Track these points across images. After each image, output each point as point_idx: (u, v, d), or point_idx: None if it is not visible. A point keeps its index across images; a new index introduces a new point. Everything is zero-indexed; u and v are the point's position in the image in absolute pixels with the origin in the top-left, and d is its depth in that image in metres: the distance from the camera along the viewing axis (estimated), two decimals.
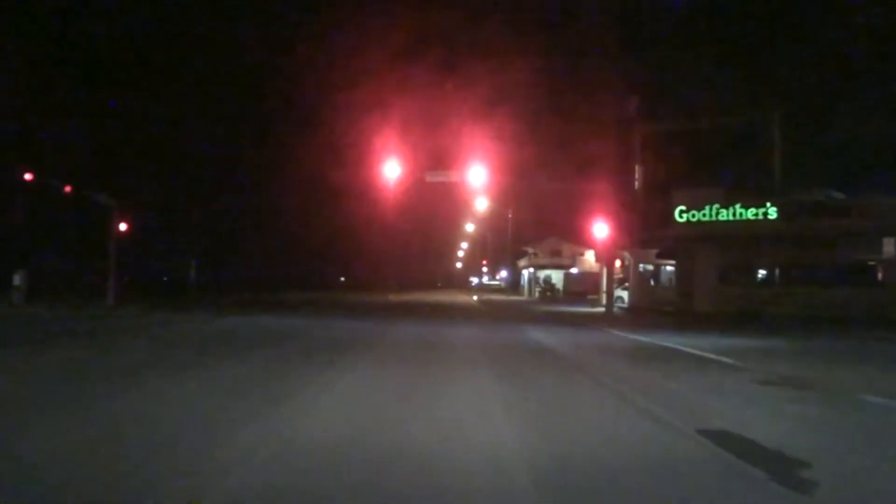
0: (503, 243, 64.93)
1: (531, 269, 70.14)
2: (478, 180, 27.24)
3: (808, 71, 34.74)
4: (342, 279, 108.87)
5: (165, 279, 50.46)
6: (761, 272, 26.67)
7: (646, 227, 31.62)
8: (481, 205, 59.29)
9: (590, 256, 66.39)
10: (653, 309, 30.60)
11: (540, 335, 15.95)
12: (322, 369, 9.05)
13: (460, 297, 58.63)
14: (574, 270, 65.55)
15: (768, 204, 23.92)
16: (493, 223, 73.05)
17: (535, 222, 68.04)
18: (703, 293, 25.34)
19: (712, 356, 11.41)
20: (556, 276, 66.16)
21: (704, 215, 24.83)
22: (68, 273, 38.70)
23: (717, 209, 24.61)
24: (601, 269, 42.40)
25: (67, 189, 28.30)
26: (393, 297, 54.31)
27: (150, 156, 45.33)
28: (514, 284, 76.32)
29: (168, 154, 49.80)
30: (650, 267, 36.91)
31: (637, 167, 34.34)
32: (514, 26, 59.44)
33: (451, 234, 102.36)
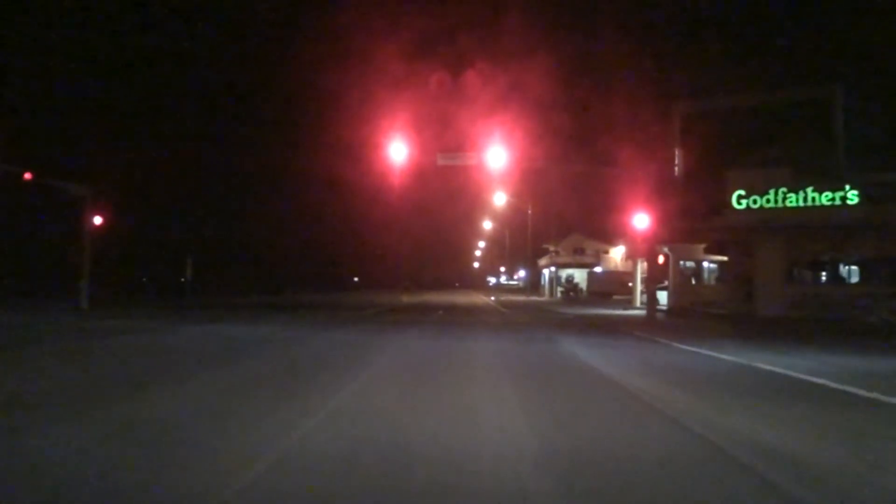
0: (522, 241, 61.00)
1: (552, 268, 66.21)
2: (497, 163, 23.39)
3: (872, 41, 30.57)
4: (355, 279, 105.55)
5: (156, 279, 47.10)
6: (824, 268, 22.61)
7: (689, 218, 27.60)
8: (499, 200, 55.67)
9: (615, 254, 62.43)
10: (699, 311, 26.59)
11: (581, 351, 12.08)
12: (228, 432, 5.30)
13: (477, 299, 54.83)
14: (598, 269, 61.61)
15: (847, 187, 19.85)
16: (512, 220, 69.31)
17: (556, 219, 64.34)
18: (767, 293, 21.27)
19: (865, 393, 7.50)
20: (580, 276, 62.24)
21: (768, 201, 20.83)
22: (44, 273, 35.44)
23: (785, 193, 20.59)
24: (634, 265, 38.45)
25: (27, 176, 24.77)
26: (406, 299, 50.76)
27: (141, 149, 42.07)
28: (533, 284, 72.36)
29: (164, 148, 46.56)
30: (691, 264, 32.87)
31: (677, 151, 30.29)
32: (538, 6, 55.67)
33: (468, 233, 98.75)
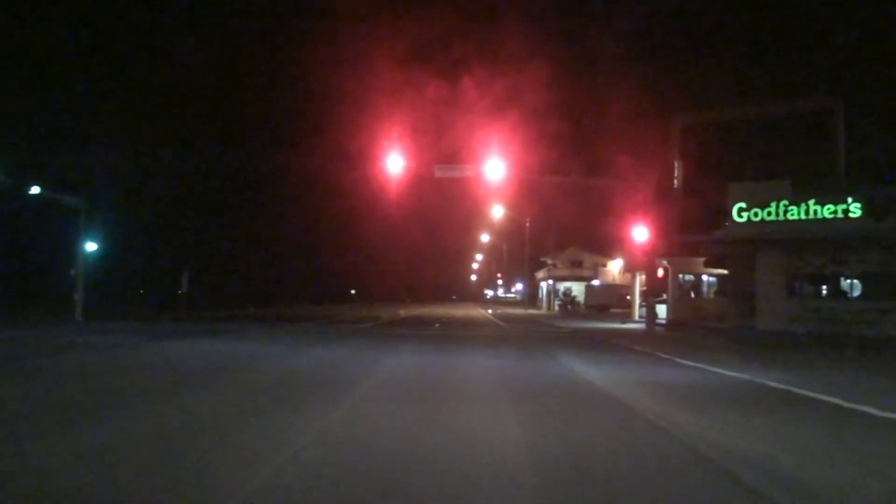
0: (520, 254, 60.71)
1: (550, 281, 65.94)
2: (495, 175, 23.16)
3: (874, 53, 30.54)
4: (352, 292, 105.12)
5: (154, 291, 46.71)
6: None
7: (689, 231, 27.34)
8: (497, 213, 55.43)
9: (612, 267, 62.17)
10: (699, 325, 26.25)
11: (588, 370, 11.70)
12: None
13: (475, 312, 54.46)
14: (596, 282, 61.30)
15: (850, 199, 19.60)
16: (510, 233, 69.09)
17: (554, 232, 64.20)
18: (768, 307, 20.97)
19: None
20: (577, 289, 61.92)
21: (769, 213, 20.57)
22: (41, 285, 35.08)
23: (786, 206, 20.33)
24: (632, 279, 38.14)
25: (34, 190, 24.44)
26: (403, 312, 50.41)
27: (136, 155, 41.72)
28: (531, 297, 71.98)
29: (159, 154, 46.24)
30: (690, 277, 32.55)
31: (676, 163, 30.08)
32: (532, 20, 55.79)
33: (465, 246, 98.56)
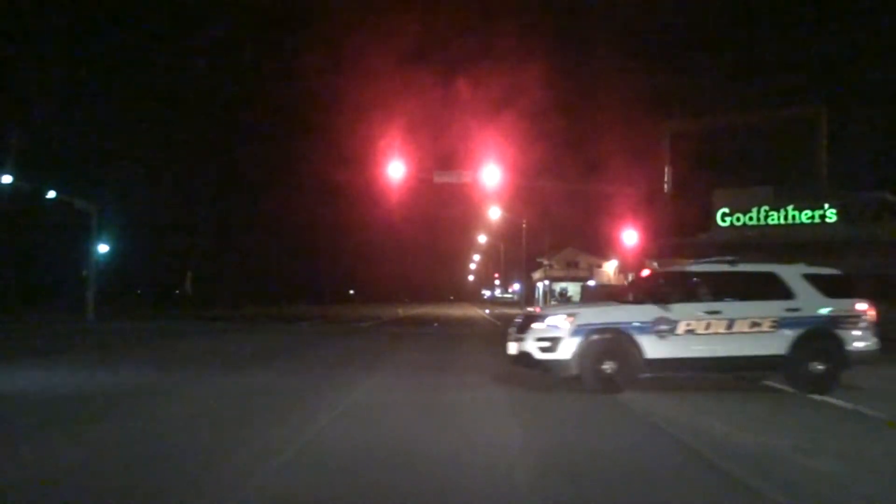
0: (517, 254, 61.82)
1: (546, 282, 67.08)
2: (492, 181, 24.28)
3: (856, 61, 31.71)
4: (351, 292, 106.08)
5: (156, 290, 47.82)
6: None
7: (678, 234, 28.50)
8: (494, 214, 56.50)
9: (608, 268, 63.29)
10: None
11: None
12: None
13: (472, 311, 55.54)
14: (591, 283, 62.39)
15: (826, 206, 20.78)
16: (507, 234, 70.10)
17: (550, 233, 65.21)
18: None
19: None
20: (573, 289, 63.07)
21: (751, 218, 21.76)
22: (51, 285, 36.17)
23: (767, 211, 21.52)
24: (625, 279, 39.29)
25: (51, 194, 25.56)
26: (402, 312, 51.50)
27: (139, 159, 42.78)
28: (527, 298, 73.09)
29: (161, 158, 47.32)
30: None
31: (666, 168, 31.21)
32: (527, 24, 56.99)
33: (463, 247, 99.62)
